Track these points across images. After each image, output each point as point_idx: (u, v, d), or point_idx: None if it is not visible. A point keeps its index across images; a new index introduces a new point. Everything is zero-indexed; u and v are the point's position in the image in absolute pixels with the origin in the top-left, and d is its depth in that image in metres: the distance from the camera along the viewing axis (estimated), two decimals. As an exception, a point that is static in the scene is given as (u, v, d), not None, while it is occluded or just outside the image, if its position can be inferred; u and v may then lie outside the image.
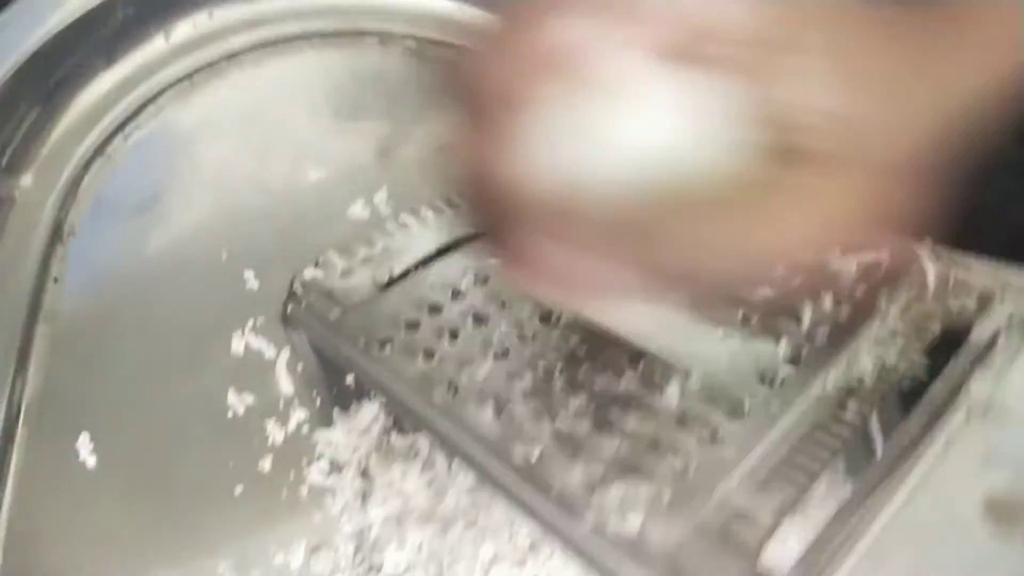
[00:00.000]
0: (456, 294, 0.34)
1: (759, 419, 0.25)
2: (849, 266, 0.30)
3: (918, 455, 0.23)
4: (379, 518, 0.33)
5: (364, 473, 0.34)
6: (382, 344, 0.32)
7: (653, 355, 0.28)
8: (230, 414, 0.35)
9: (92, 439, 0.32)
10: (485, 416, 0.28)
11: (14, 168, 0.37)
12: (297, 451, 0.34)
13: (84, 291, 0.36)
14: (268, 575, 0.32)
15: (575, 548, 0.24)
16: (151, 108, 0.40)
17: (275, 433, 0.35)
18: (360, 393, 0.35)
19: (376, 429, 0.35)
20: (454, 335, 0.32)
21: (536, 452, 0.26)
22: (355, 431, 0.35)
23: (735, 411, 0.25)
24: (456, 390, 0.29)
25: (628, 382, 0.28)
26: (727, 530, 0.23)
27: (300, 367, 0.36)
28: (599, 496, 0.24)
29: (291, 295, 0.36)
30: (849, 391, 0.26)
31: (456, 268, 0.35)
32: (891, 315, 0.28)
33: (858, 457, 0.28)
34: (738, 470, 0.24)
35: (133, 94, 0.40)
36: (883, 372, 0.27)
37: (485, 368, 0.30)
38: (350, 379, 0.34)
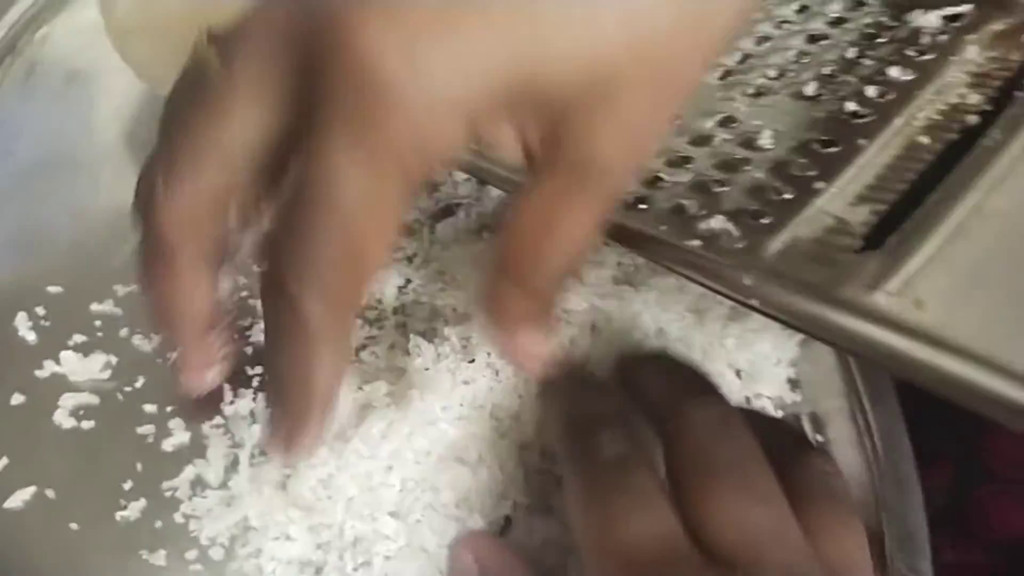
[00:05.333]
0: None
1: (848, 149, 0.28)
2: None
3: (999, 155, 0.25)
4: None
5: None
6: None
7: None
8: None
9: (29, 318, 0.34)
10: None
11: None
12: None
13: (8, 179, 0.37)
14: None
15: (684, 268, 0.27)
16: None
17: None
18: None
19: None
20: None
21: (642, 203, 0.29)
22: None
23: (826, 145, 0.28)
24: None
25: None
26: (823, 239, 0.26)
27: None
28: (704, 223, 0.27)
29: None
30: (931, 124, 0.28)
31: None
32: (973, 55, 0.30)
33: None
34: (829, 190, 0.27)
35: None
36: (963, 107, 0.29)
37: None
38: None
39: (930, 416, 0.35)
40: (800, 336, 0.36)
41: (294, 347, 0.22)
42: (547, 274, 0.23)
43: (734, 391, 0.35)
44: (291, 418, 0.24)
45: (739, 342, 0.35)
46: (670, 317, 0.36)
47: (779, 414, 0.35)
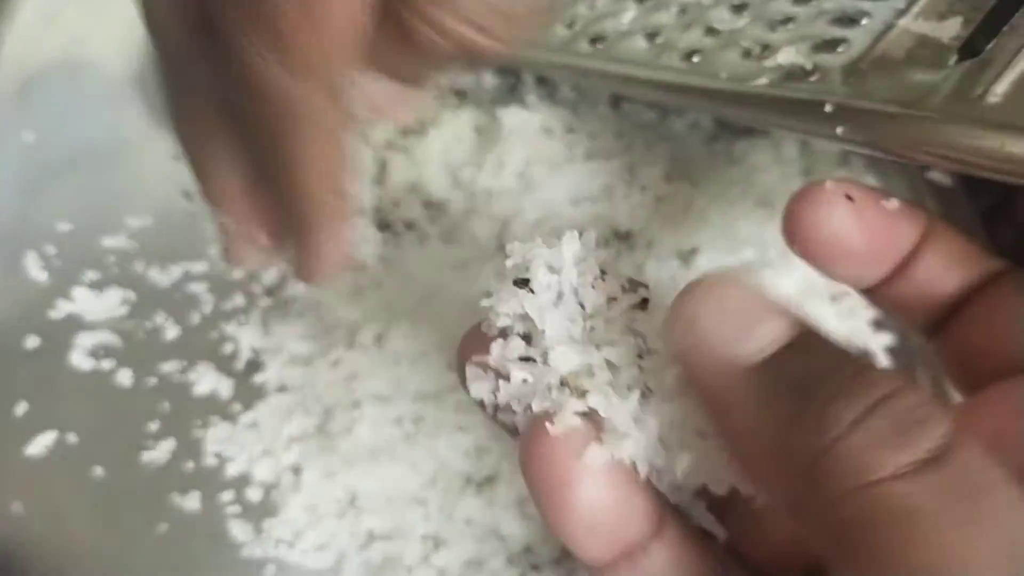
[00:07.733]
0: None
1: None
2: None
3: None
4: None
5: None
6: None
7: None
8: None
9: (39, 256, 0.32)
10: (639, 45, 0.28)
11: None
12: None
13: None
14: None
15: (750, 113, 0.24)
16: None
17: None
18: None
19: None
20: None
21: (696, 56, 0.26)
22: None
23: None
24: (603, 38, 0.29)
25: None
26: (910, 59, 0.22)
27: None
28: (771, 59, 0.24)
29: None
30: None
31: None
32: None
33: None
34: (912, 8, 0.23)
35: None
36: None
37: (629, 14, 0.30)
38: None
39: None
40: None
41: (280, 142, 0.18)
42: None
43: (818, 287, 0.31)
44: (298, 235, 0.20)
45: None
46: (737, 213, 0.33)
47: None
